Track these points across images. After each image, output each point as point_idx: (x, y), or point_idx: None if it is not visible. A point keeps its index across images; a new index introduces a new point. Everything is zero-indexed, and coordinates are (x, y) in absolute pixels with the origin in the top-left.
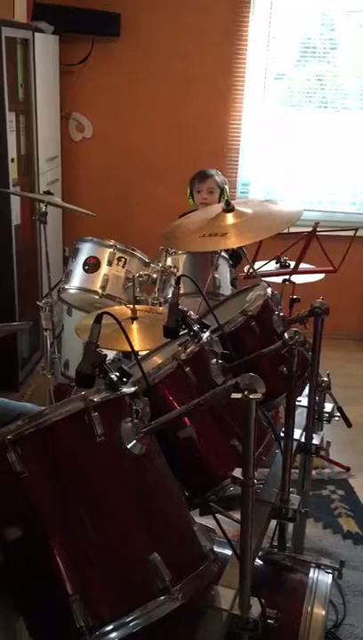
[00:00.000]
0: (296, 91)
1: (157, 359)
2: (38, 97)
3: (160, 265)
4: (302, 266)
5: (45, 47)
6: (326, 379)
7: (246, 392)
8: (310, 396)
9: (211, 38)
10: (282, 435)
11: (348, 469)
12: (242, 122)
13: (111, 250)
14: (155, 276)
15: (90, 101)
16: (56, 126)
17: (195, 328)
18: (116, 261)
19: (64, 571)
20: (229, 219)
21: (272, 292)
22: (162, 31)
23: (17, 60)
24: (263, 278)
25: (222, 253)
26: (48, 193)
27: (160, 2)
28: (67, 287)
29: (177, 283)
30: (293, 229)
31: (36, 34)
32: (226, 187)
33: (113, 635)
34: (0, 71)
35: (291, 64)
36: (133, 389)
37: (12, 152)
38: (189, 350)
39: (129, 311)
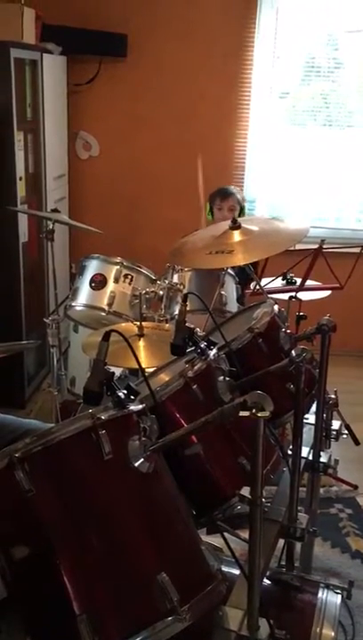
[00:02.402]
0: (301, 109)
1: (164, 376)
2: (46, 116)
3: (167, 282)
4: (309, 283)
5: (53, 68)
6: (333, 396)
7: (253, 410)
8: (317, 413)
9: (216, 58)
10: (290, 453)
11: (356, 487)
12: (247, 140)
13: (118, 267)
14: (161, 292)
15: (97, 120)
16: (63, 145)
17: (202, 345)
18: (122, 278)
19: (71, 590)
20: (236, 236)
21: (279, 309)
22: (168, 51)
23: (25, 81)
24: (270, 295)
25: (229, 270)
26: (55, 211)
27: (166, 23)
28: (73, 304)
29: (184, 300)
30: (299, 246)
31: (45, 55)
32: (245, 205)
33: None
34: (9, 91)
35: (296, 83)
36: (140, 407)
37: (20, 170)
38: (196, 368)
39: (136, 328)
